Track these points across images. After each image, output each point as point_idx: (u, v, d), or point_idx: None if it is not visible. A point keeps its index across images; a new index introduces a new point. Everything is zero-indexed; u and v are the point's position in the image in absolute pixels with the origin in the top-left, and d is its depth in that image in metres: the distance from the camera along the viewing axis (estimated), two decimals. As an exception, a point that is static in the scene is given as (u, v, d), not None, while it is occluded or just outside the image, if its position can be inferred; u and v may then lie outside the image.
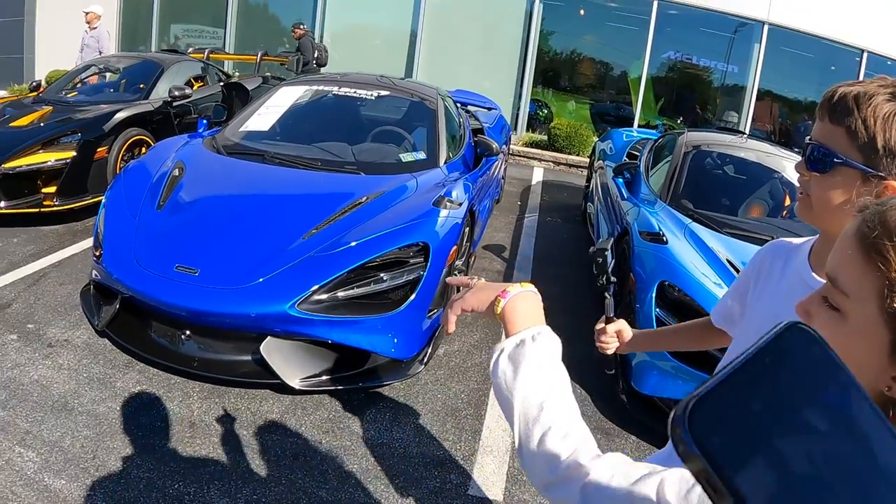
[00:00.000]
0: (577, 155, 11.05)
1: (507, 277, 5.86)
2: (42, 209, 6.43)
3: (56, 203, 6.43)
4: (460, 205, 4.34)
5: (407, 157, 5.15)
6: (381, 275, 3.76)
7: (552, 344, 1.15)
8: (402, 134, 5.56)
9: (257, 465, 3.30)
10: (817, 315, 0.82)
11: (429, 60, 13.10)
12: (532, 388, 1.08)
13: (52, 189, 6.48)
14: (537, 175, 10.36)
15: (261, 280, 3.65)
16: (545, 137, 11.84)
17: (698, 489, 0.85)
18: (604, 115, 13.35)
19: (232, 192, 4.65)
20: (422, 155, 5.17)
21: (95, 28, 11.02)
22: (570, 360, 3.34)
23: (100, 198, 6.55)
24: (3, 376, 3.97)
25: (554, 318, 3.94)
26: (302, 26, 12.38)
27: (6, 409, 3.65)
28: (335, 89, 5.92)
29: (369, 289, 3.72)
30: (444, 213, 4.15)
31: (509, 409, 1.09)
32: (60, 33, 15.92)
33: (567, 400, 1.09)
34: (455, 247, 4.17)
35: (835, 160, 1.22)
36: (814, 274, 1.30)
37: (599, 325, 1.99)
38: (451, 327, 1.34)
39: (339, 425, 3.64)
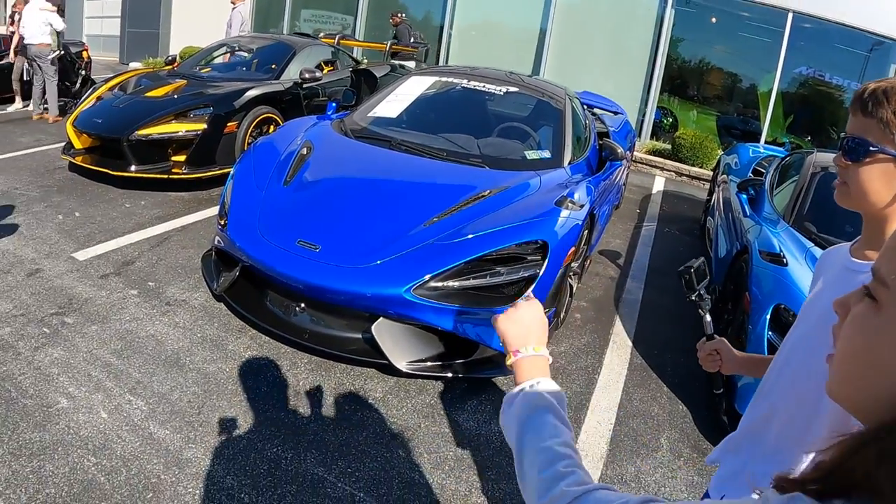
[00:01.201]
0: (701, 167, 10.76)
1: (621, 285, 5.80)
2: (171, 176, 6.80)
3: (184, 171, 6.78)
4: (582, 207, 4.32)
5: (532, 154, 5.15)
6: (499, 269, 3.79)
7: (549, 389, 1.26)
8: (528, 131, 5.56)
9: (355, 440, 3.40)
10: (854, 307, 0.82)
11: (556, 60, 13.00)
12: (527, 427, 1.21)
13: (182, 158, 6.83)
14: (658, 184, 10.17)
15: (379, 262, 3.75)
16: (669, 146, 11.58)
17: None
18: (730, 128, 12.94)
19: (357, 175, 4.77)
20: (547, 154, 5.16)
21: (236, 7, 11.49)
22: (675, 375, 3.32)
23: (227, 169, 6.87)
24: (121, 328, 4.24)
25: (663, 331, 3.95)
26: (400, 14, 12.62)
27: (121, 359, 3.90)
28: (464, 82, 5.97)
29: (485, 281, 3.76)
30: (565, 213, 4.14)
31: (511, 443, 1.24)
32: (195, 11, 16.65)
33: (555, 437, 1.20)
34: (573, 248, 4.16)
35: (869, 149, 1.33)
36: (853, 258, 1.40)
37: (699, 345, 2.03)
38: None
39: (439, 412, 3.70)
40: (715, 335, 2.05)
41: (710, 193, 7.97)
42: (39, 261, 5.10)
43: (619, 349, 4.65)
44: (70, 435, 3.22)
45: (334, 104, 6.27)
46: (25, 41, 9.97)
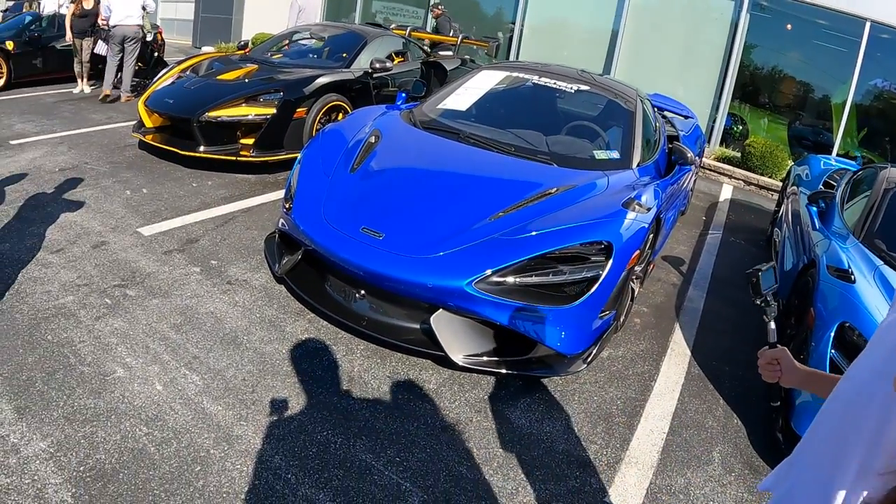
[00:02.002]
0: (770, 177, 10.48)
1: (682, 293, 5.67)
2: (238, 158, 6.88)
3: (252, 154, 6.86)
4: (648, 210, 4.22)
5: (601, 154, 5.06)
6: (561, 267, 3.72)
7: None
8: (598, 131, 5.47)
9: (406, 429, 3.38)
10: None
11: (628, 61, 12.81)
12: None
13: (250, 141, 6.92)
14: (726, 192, 9.95)
15: (442, 253, 3.71)
16: (738, 154, 11.31)
17: None
18: (801, 139, 12.57)
19: (423, 166, 4.75)
20: (615, 154, 5.06)
21: None
22: (732, 388, 3.23)
23: (294, 154, 6.92)
24: (181, 303, 4.31)
25: (723, 342, 3.89)
26: (441, 6, 12.60)
27: (179, 333, 3.97)
28: (535, 78, 5.89)
29: (547, 279, 3.70)
30: (631, 215, 4.05)
31: None
32: (267, -1, 16.88)
33: None
34: (637, 251, 4.07)
35: None
36: None
37: (760, 352, 1.96)
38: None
39: (491, 408, 3.66)
40: (778, 344, 1.98)
41: (779, 205, 7.76)
42: (105, 234, 5.21)
43: (677, 357, 4.55)
44: (124, 404, 3.29)
45: (404, 94, 6.28)
46: (113, 22, 10.12)
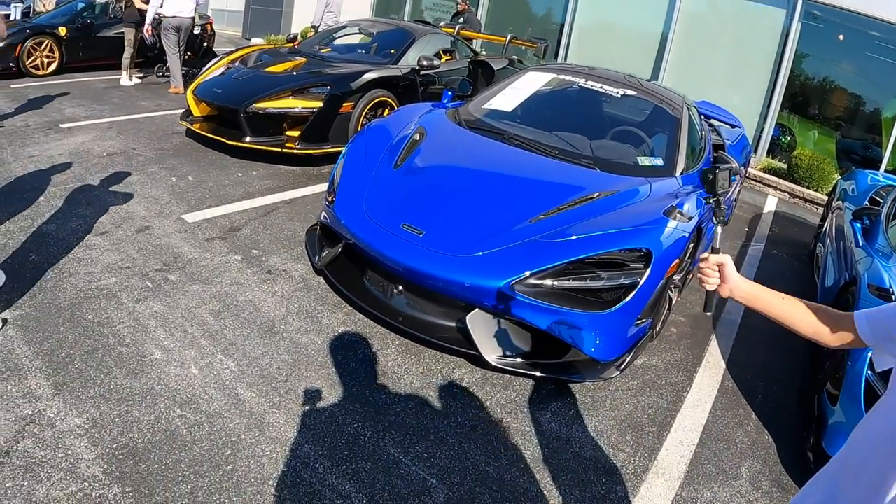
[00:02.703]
0: (816, 190, 10.28)
1: (721, 304, 5.58)
2: (284, 150, 6.93)
3: (298, 146, 6.91)
4: (690, 219, 4.16)
5: (644, 160, 5.01)
6: (599, 273, 3.70)
7: None
8: (643, 137, 5.41)
9: (435, 426, 3.39)
10: None
11: (676, 67, 12.64)
12: None
13: (296, 133, 6.97)
14: (770, 204, 9.79)
15: (481, 253, 3.71)
16: (784, 165, 11.11)
17: None
18: (849, 152, 12.26)
19: (467, 165, 4.75)
20: (659, 161, 5.01)
21: None
22: (765, 403, 3.19)
23: (339, 148, 6.97)
24: (221, 290, 4.38)
25: (759, 356, 3.89)
26: (465, 2, 12.77)
27: (217, 319, 4.04)
28: (581, 81, 5.86)
29: (585, 284, 3.67)
30: (672, 223, 4.00)
31: None
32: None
33: None
34: (677, 260, 4.02)
35: None
36: None
37: (703, 255, 1.89)
38: None
39: (522, 409, 3.66)
40: (720, 251, 1.93)
41: (823, 219, 7.61)
42: (150, 219, 5.31)
43: (712, 369, 4.49)
44: (160, 386, 3.37)
45: (450, 93, 6.28)
46: (172, 14, 10.20)
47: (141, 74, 11.20)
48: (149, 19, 10.07)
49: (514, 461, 3.25)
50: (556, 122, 5.56)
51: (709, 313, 2.08)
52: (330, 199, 4.41)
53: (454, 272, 3.64)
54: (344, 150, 4.88)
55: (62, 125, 7.74)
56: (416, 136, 4.88)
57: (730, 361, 4.63)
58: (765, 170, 11.14)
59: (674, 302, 4.71)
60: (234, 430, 3.13)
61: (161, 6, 10.04)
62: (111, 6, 11.61)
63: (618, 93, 5.68)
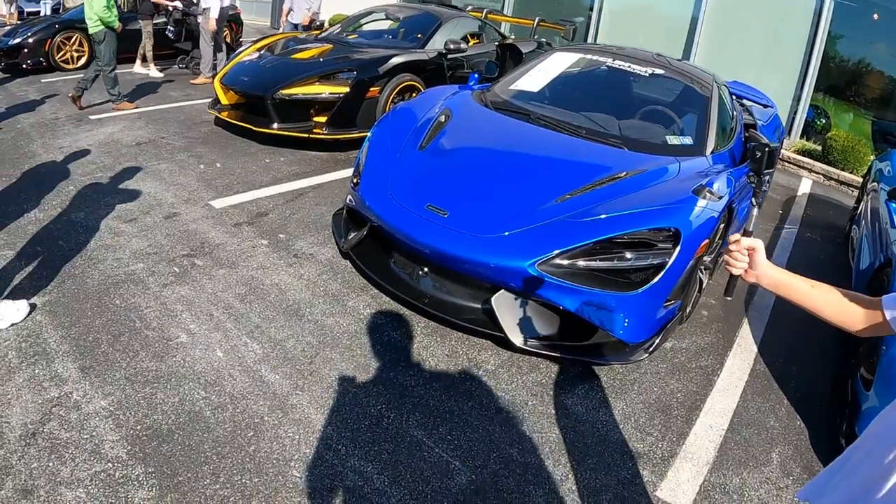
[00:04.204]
0: (851, 172, 10.06)
1: (752, 287, 5.45)
2: (311, 135, 6.95)
3: (325, 132, 6.92)
4: (720, 198, 4.04)
5: (673, 139, 4.90)
6: (627, 253, 3.62)
7: None
8: (672, 116, 5.30)
9: (460, 408, 3.36)
10: None
11: (707, 48, 12.43)
12: None
13: (323, 119, 6.97)
14: (804, 186, 9.59)
15: (507, 233, 3.66)
16: (819, 147, 10.88)
17: None
18: (885, 134, 11.97)
19: (492, 146, 4.69)
20: (689, 140, 4.89)
21: None
22: (797, 389, 3.16)
23: (366, 133, 6.93)
24: (247, 274, 4.40)
25: (791, 341, 3.88)
26: None
27: (243, 303, 4.05)
28: (609, 61, 5.75)
29: (612, 264, 3.60)
30: (701, 202, 3.89)
31: None
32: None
33: None
34: (706, 241, 3.91)
35: None
36: None
37: (734, 236, 1.80)
38: None
39: (548, 392, 3.61)
40: (752, 234, 1.85)
41: (858, 201, 7.44)
42: (178, 205, 5.35)
43: (743, 353, 4.40)
44: (185, 368, 3.39)
45: (476, 75, 6.22)
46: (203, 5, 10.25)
47: (160, 67, 11.25)
48: (214, 13, 10.05)
49: (539, 444, 3.21)
50: (583, 102, 5.48)
51: (729, 298, 2.01)
52: (355, 182, 4.39)
53: (479, 252, 3.60)
54: (369, 133, 4.86)
55: (91, 117, 7.85)
56: (442, 118, 4.84)
57: (761, 346, 4.53)
58: (799, 151, 10.94)
59: (704, 284, 4.61)
60: (257, 412, 3.13)
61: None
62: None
63: (646, 72, 5.57)
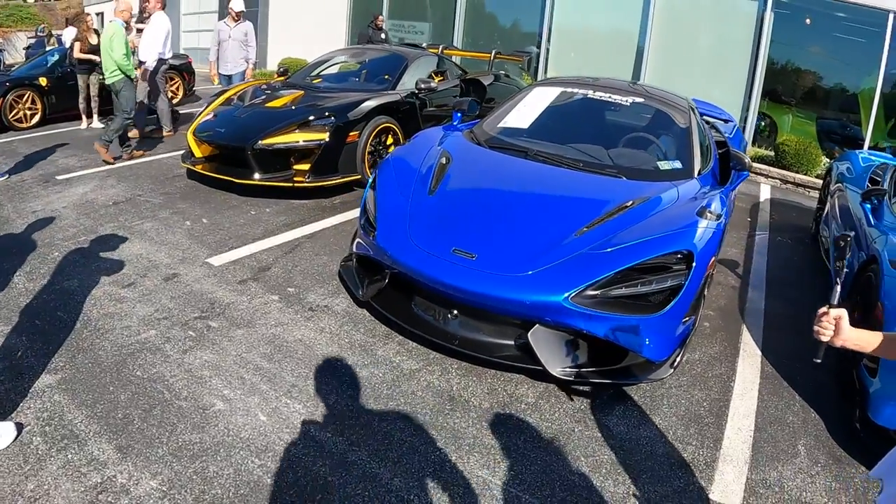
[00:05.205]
0: (805, 174, 10.50)
1: (743, 295, 5.73)
2: (294, 184, 6.94)
3: (308, 180, 6.94)
4: (718, 217, 4.32)
5: (664, 165, 5.14)
6: (648, 277, 3.81)
7: None
8: (657, 142, 5.55)
9: (514, 443, 3.44)
10: None
11: (656, 66, 12.83)
12: None
13: (303, 167, 6.99)
14: (764, 192, 9.98)
15: (537, 270, 3.80)
16: (772, 153, 11.33)
17: None
18: (829, 133, 12.53)
19: (500, 185, 4.84)
20: (678, 164, 5.14)
21: (240, 22, 10.61)
22: (805, 385, 3.70)
23: (348, 178, 7.11)
24: (267, 332, 4.35)
25: (789, 341, 4.20)
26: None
27: (272, 362, 4.00)
28: (590, 93, 5.97)
29: (636, 290, 3.78)
30: (704, 223, 4.15)
31: None
32: (291, 24, 17.07)
33: None
34: (713, 257, 4.15)
35: None
36: None
37: (822, 310, 2.04)
38: None
39: (589, 416, 3.74)
40: (838, 305, 2.07)
41: (821, 202, 7.80)
42: (174, 266, 5.28)
43: (750, 358, 4.63)
44: (230, 437, 3.30)
45: (459, 114, 6.34)
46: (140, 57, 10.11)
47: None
48: (151, 65, 9.77)
49: (595, 467, 3.33)
50: (570, 134, 5.68)
51: (818, 361, 2.20)
52: (370, 233, 4.44)
53: (514, 291, 3.71)
54: (370, 181, 4.93)
55: (58, 177, 7.68)
56: (443, 160, 4.96)
57: (764, 349, 4.77)
58: (754, 159, 11.33)
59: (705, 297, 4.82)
60: (319, 474, 3.09)
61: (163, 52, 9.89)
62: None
63: (627, 101, 5.80)
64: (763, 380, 4.35)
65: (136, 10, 11.19)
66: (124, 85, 8.49)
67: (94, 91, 10.76)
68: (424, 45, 10.96)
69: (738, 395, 4.13)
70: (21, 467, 3.00)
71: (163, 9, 9.85)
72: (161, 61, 9.90)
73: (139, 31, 10.49)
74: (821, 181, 9.61)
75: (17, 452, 3.09)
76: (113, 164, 8.32)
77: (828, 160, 10.84)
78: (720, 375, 4.35)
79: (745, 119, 12.29)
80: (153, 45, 9.62)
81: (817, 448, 3.68)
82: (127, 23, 8.75)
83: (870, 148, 11.52)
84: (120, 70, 8.36)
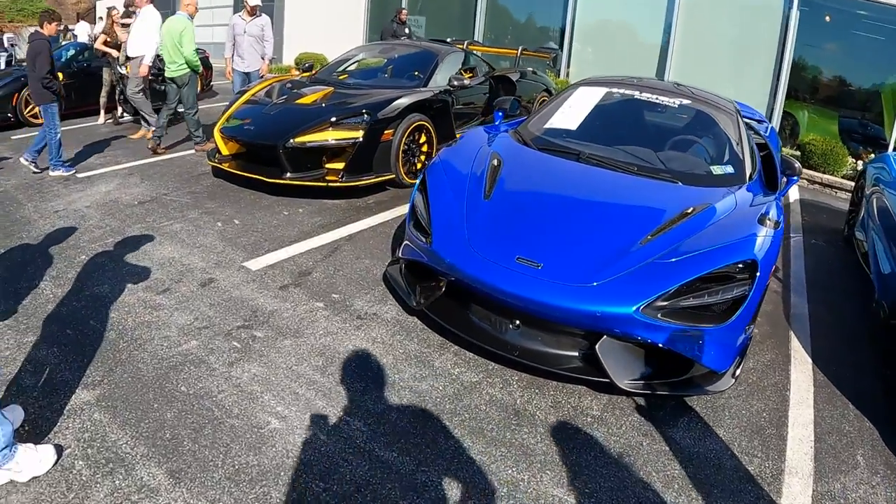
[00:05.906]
0: (832, 174, 10.42)
1: (787, 300, 5.66)
2: (327, 184, 6.80)
3: (342, 179, 6.80)
4: (777, 224, 4.25)
5: (717, 169, 5.04)
6: (715, 287, 3.73)
7: None
8: (704, 145, 5.46)
9: (585, 458, 3.35)
10: None
11: (681, 64, 12.73)
12: None
13: (336, 165, 6.85)
14: (793, 192, 9.87)
15: (605, 280, 3.71)
16: (798, 153, 11.26)
17: None
18: (851, 133, 12.45)
19: (557, 190, 4.72)
20: (730, 169, 5.05)
21: (256, 16, 10.24)
22: (856, 393, 3.75)
23: (382, 178, 6.97)
24: (316, 342, 4.17)
25: (837, 348, 4.22)
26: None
27: (325, 376, 3.81)
28: (636, 94, 5.88)
29: (703, 300, 3.70)
30: (764, 231, 4.09)
31: None
32: (307, 17, 16.93)
33: None
34: (774, 266, 4.08)
35: None
36: None
37: None
38: None
39: (655, 430, 3.65)
40: None
41: (853, 204, 7.70)
42: (210, 270, 5.12)
43: (801, 365, 4.55)
44: (290, 459, 3.12)
45: (500, 113, 6.24)
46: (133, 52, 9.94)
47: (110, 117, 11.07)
48: (148, 60, 9.55)
49: (668, 482, 3.24)
50: (617, 136, 5.58)
51: None
52: (425, 239, 4.31)
53: (584, 302, 3.62)
54: (418, 183, 4.82)
55: (79, 175, 7.58)
56: (494, 163, 4.86)
57: (814, 356, 4.70)
58: (778, 158, 11.24)
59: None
60: (390, 497, 2.94)
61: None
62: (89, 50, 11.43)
63: (674, 103, 5.70)
64: (817, 388, 4.28)
65: (121, 7, 11.10)
66: (190, 79, 8.64)
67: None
68: (449, 39, 10.83)
69: (795, 405, 4.05)
70: (65, 495, 2.80)
71: (151, 2, 9.77)
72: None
73: (124, 26, 10.39)
74: (848, 182, 9.55)
75: (58, 479, 2.89)
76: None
77: (853, 160, 10.76)
78: (776, 384, 4.27)
79: (769, 119, 12.17)
80: (150, 40, 9.50)
81: (874, 458, 3.62)
82: (192, 17, 8.74)
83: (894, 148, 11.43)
84: (187, 65, 8.49)
